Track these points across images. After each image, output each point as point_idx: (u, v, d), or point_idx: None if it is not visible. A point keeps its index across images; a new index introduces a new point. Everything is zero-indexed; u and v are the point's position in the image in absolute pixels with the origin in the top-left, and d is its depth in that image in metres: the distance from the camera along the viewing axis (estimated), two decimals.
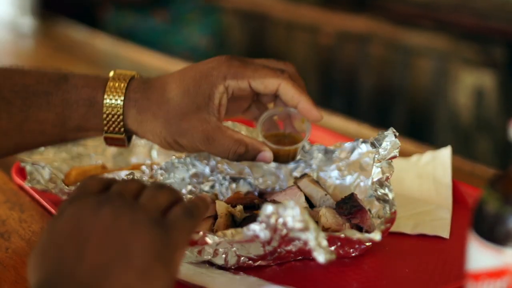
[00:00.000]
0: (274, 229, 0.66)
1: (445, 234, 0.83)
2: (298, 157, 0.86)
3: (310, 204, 0.82)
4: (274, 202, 0.77)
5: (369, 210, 0.79)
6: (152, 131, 0.79)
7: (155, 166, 0.83)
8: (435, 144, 1.46)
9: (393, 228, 0.76)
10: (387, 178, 0.78)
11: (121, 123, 0.79)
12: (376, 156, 0.81)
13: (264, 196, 0.86)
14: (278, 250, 0.72)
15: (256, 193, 0.88)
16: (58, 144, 0.93)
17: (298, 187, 0.83)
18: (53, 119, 0.79)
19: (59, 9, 2.47)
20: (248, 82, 0.78)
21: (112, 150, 1.02)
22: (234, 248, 0.72)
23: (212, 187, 0.88)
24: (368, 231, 0.76)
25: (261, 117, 0.83)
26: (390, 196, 0.76)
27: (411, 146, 1.13)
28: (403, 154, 0.97)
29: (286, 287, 0.70)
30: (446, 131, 2.24)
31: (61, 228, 0.54)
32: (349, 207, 0.78)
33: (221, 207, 0.79)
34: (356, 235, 0.71)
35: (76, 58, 1.94)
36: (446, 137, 2.23)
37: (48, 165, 0.92)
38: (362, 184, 0.85)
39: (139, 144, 1.02)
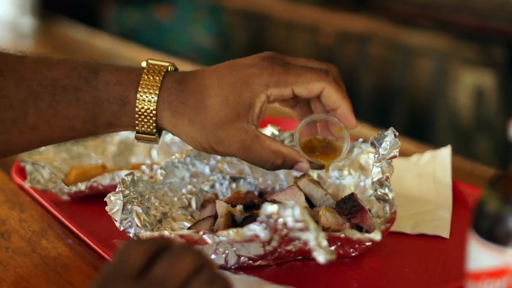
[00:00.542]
0: (274, 229, 0.66)
1: (445, 234, 0.83)
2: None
3: (310, 204, 0.82)
4: (274, 202, 0.77)
5: (369, 210, 0.79)
6: (187, 135, 0.76)
7: (155, 166, 0.83)
8: (435, 144, 1.46)
9: (393, 228, 0.76)
10: (387, 178, 0.78)
11: (154, 124, 0.76)
12: (376, 156, 0.81)
13: (264, 196, 0.86)
14: (278, 250, 0.72)
15: (256, 193, 0.88)
16: (88, 138, 0.92)
17: (298, 187, 0.83)
18: (83, 116, 0.76)
19: (59, 9, 2.47)
20: (291, 89, 0.75)
21: (112, 150, 1.02)
22: (234, 248, 0.72)
23: (212, 186, 0.88)
24: (368, 231, 0.76)
25: (299, 125, 0.80)
26: (390, 196, 0.76)
27: (411, 146, 1.13)
28: (403, 154, 0.97)
29: (286, 287, 0.70)
30: (446, 131, 2.24)
31: None
32: (349, 207, 0.78)
33: (221, 207, 0.79)
34: (356, 235, 0.71)
35: None
36: (446, 137, 2.23)
37: (48, 165, 0.92)
38: (362, 184, 0.85)
39: (139, 144, 1.02)
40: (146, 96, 0.75)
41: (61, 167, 0.97)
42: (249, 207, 0.80)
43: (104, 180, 0.88)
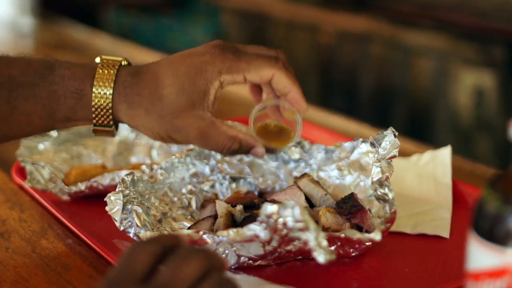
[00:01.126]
0: (274, 229, 0.66)
1: (445, 233, 0.83)
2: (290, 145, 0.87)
3: (310, 204, 0.82)
4: (274, 202, 0.77)
5: (369, 210, 0.79)
6: (144, 126, 0.78)
7: (155, 166, 0.83)
8: (435, 143, 1.46)
9: (393, 228, 0.76)
10: (387, 178, 0.78)
11: (111, 116, 0.78)
12: (376, 155, 0.81)
13: (264, 196, 0.86)
14: (278, 250, 0.72)
15: (256, 193, 0.88)
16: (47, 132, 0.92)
17: (298, 187, 0.83)
18: (40, 111, 0.77)
19: (59, 9, 2.47)
20: (243, 75, 0.78)
21: (112, 150, 1.02)
22: (234, 248, 0.72)
23: (212, 186, 0.88)
24: (368, 231, 0.76)
25: (253, 111, 0.83)
26: (390, 195, 0.76)
27: (411, 145, 1.13)
28: (403, 153, 0.97)
29: (286, 287, 0.70)
30: (446, 131, 2.24)
31: None
32: (349, 206, 0.78)
33: (221, 207, 0.79)
34: (356, 235, 0.71)
35: (76, 58, 1.93)
36: (446, 137, 2.23)
37: (48, 165, 0.92)
38: (362, 183, 0.85)
39: (139, 144, 1.02)
40: (102, 90, 0.77)
41: (61, 167, 0.97)
42: (249, 207, 0.80)
43: (104, 180, 0.88)
